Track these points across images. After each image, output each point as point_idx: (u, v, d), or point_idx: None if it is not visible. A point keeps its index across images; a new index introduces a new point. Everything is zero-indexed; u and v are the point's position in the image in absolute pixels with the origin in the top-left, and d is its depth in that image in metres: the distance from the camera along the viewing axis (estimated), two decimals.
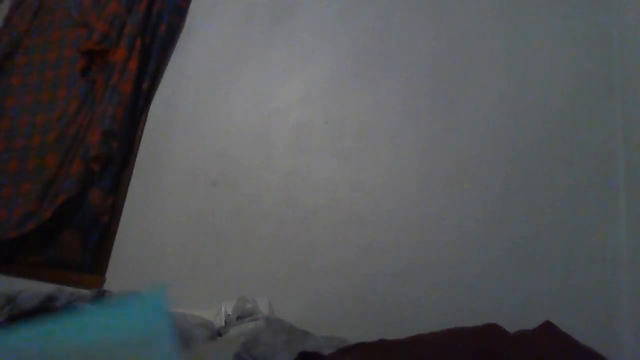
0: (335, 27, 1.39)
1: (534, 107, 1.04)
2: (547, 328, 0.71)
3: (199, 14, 1.73)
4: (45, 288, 0.95)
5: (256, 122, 1.40)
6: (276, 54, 1.46)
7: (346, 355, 0.69)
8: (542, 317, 0.74)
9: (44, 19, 2.02)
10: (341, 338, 0.85)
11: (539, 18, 1.10)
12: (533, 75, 1.06)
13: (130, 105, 1.60)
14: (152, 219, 1.45)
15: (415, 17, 1.27)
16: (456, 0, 1.22)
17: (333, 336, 0.86)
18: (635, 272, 0.83)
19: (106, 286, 1.42)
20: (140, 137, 1.63)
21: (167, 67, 1.69)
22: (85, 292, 0.97)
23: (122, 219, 1.52)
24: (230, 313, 0.98)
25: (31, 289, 0.95)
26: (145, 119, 1.65)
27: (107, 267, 1.47)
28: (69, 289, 0.97)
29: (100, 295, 0.94)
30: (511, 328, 0.71)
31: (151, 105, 1.66)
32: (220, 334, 0.88)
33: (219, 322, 0.96)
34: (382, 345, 0.70)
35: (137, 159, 1.60)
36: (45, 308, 0.85)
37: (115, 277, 1.44)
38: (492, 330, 0.69)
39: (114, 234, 1.51)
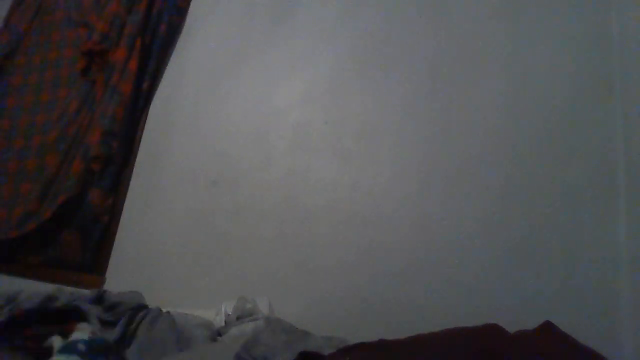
0: (335, 27, 1.39)
1: (534, 107, 1.04)
2: (547, 328, 0.71)
3: (199, 14, 1.73)
4: (45, 288, 0.94)
5: (256, 122, 1.40)
6: (276, 54, 1.46)
7: (346, 355, 0.68)
8: (542, 317, 0.74)
9: (44, 19, 2.02)
10: (341, 338, 0.85)
11: (539, 18, 1.09)
12: (533, 75, 1.06)
13: (130, 105, 1.60)
14: (152, 219, 1.45)
15: (415, 17, 1.27)
16: (456, 0, 1.22)
17: (333, 336, 0.86)
18: (635, 272, 0.83)
19: (106, 286, 1.42)
20: (140, 137, 1.63)
21: (167, 67, 1.70)
22: (85, 292, 0.97)
23: (122, 219, 1.52)
24: (230, 313, 0.98)
25: (31, 289, 0.95)
26: (145, 119, 1.65)
27: (107, 267, 1.47)
28: (69, 289, 0.97)
29: (100, 295, 0.94)
30: (511, 328, 0.71)
31: (151, 105, 1.66)
32: (220, 334, 0.88)
33: (219, 322, 0.96)
34: (382, 345, 0.70)
35: (137, 159, 1.60)
36: (45, 308, 0.84)
37: (115, 277, 1.44)
38: (492, 330, 0.69)
39: (114, 234, 1.51)
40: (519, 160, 1.01)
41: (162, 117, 1.62)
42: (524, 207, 0.98)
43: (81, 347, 0.69)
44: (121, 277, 1.43)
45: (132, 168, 1.59)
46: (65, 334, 0.75)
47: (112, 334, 0.78)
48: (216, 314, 1.00)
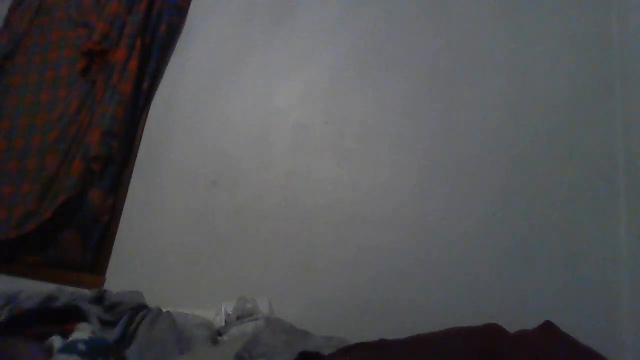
0: (335, 27, 1.39)
1: (534, 107, 1.04)
2: (547, 328, 0.71)
3: (199, 14, 1.73)
4: (45, 288, 0.94)
5: (256, 122, 1.40)
6: (276, 54, 1.46)
7: (346, 355, 0.69)
8: (542, 317, 0.74)
9: (43, 19, 2.01)
10: (341, 338, 0.85)
11: (539, 18, 1.10)
12: (533, 75, 1.06)
13: (130, 105, 1.60)
14: (152, 219, 1.45)
15: (415, 17, 1.27)
16: (456, 0, 1.22)
17: (333, 336, 0.86)
18: (635, 272, 0.83)
19: (106, 286, 1.42)
20: (140, 137, 1.63)
21: (167, 67, 1.69)
22: (85, 292, 0.97)
23: (122, 219, 1.52)
24: (230, 313, 0.98)
25: (31, 289, 0.95)
26: (145, 119, 1.65)
27: (107, 267, 1.47)
28: (69, 289, 0.97)
29: (101, 295, 0.94)
30: (511, 328, 0.71)
31: (151, 105, 1.66)
32: (220, 334, 0.88)
33: (219, 322, 0.96)
34: (382, 345, 0.70)
35: (137, 159, 1.60)
36: (45, 308, 0.84)
37: (115, 277, 1.44)
38: (492, 330, 0.69)
39: (114, 234, 1.51)
40: (519, 160, 1.01)
41: (162, 117, 1.61)
42: (524, 207, 0.98)
43: (81, 347, 0.69)
44: (121, 277, 1.43)
45: (132, 168, 1.58)
46: (65, 334, 0.75)
47: (112, 334, 0.78)
48: (216, 314, 1.00)
